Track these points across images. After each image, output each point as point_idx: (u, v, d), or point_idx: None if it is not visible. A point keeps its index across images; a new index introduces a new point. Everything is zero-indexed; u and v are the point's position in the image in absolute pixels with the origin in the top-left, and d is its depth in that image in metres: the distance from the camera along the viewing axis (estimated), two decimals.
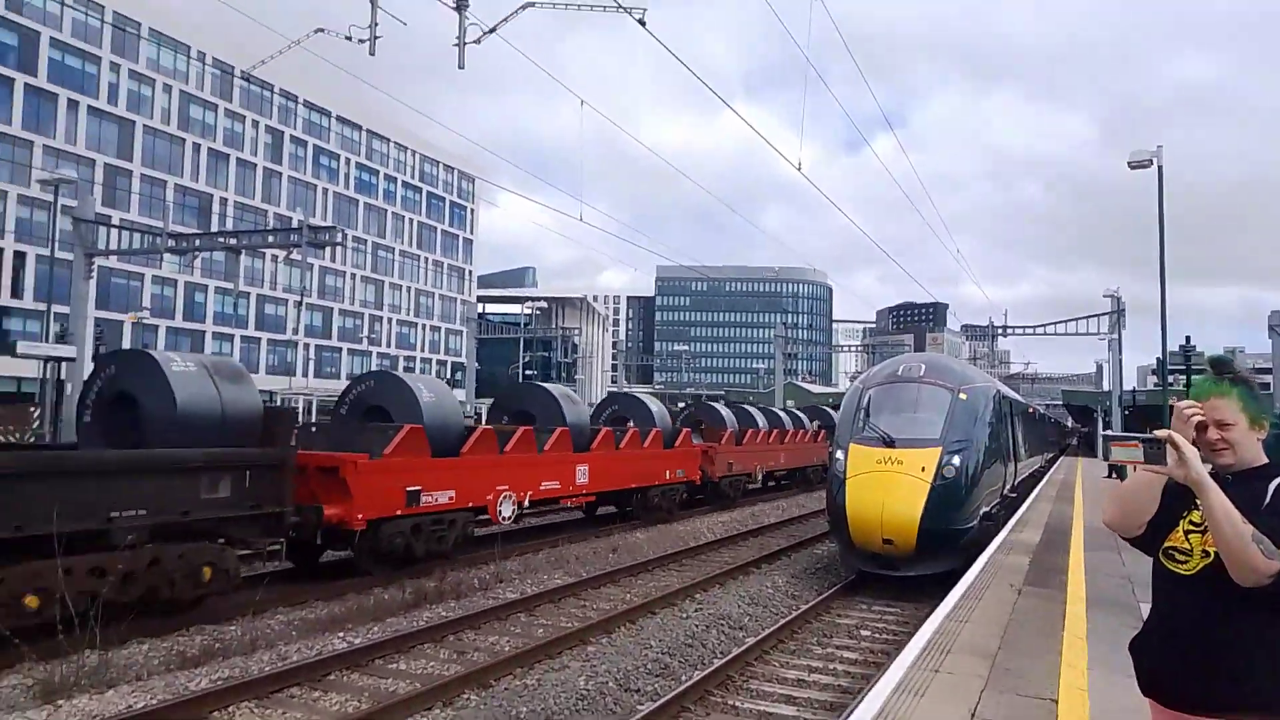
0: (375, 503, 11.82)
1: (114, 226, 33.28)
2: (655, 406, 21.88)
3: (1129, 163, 21.71)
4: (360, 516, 11.56)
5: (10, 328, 54.43)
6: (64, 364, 26.40)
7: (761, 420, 28.13)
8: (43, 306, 40.29)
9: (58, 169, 38.31)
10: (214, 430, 10.12)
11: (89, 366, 27.81)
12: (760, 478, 27.62)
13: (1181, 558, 2.59)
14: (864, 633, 10.30)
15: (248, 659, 8.36)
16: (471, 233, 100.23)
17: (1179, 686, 2.55)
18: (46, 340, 31.28)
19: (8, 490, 7.97)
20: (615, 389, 69.86)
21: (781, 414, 32.59)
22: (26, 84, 55.98)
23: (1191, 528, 2.59)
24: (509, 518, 14.79)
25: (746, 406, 30.06)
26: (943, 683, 5.80)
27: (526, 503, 15.39)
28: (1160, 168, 21.41)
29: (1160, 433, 2.45)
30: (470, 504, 13.73)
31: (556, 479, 16.11)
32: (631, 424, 19.90)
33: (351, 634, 9.44)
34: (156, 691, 7.28)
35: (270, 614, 9.99)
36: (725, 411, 26.76)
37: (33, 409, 29.52)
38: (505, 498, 14.47)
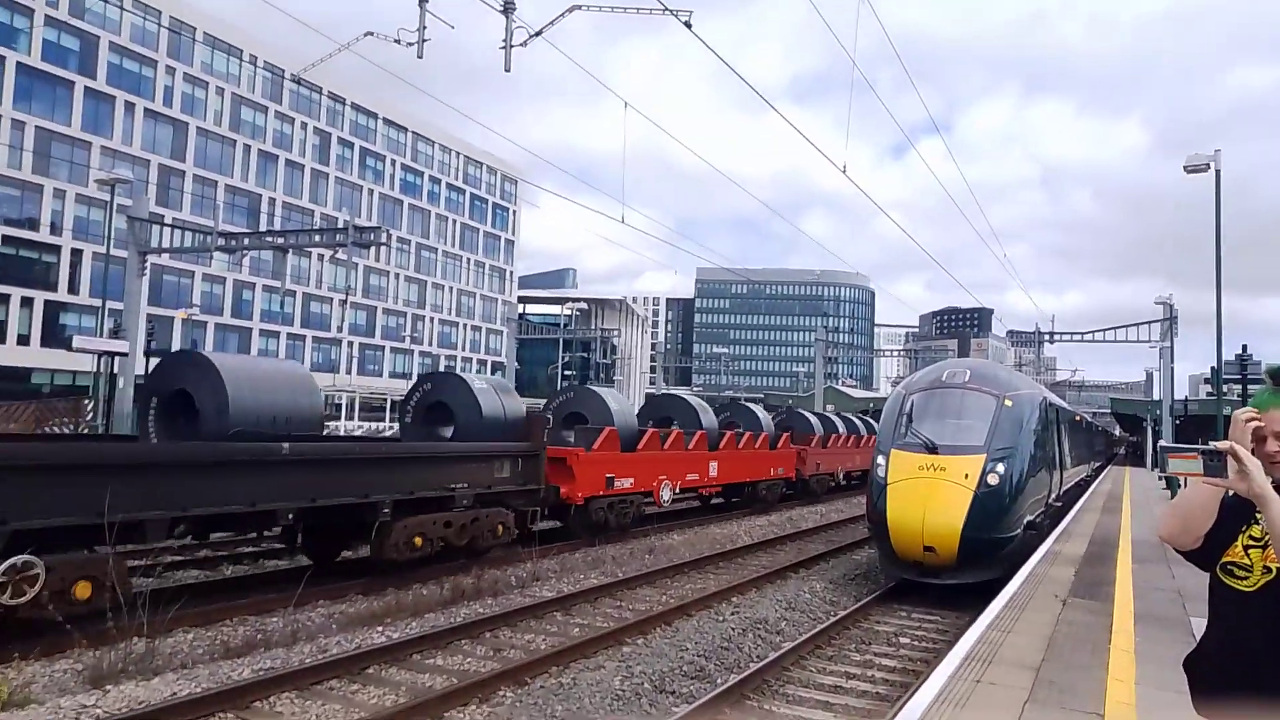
0: (588, 484, 15.81)
1: (167, 225, 34.09)
2: (762, 414, 25.96)
3: (1185, 167, 21.17)
4: (580, 494, 15.53)
5: (67, 322, 55.99)
6: (117, 358, 27.11)
7: (841, 426, 31.51)
8: (98, 302, 41.46)
9: (114, 169, 39.33)
10: (500, 430, 14.26)
11: (141, 361, 28.56)
12: (841, 477, 30.55)
13: (1241, 574, 2.50)
14: (903, 640, 10.16)
15: (289, 651, 8.49)
16: (513, 234, 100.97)
17: (1237, 704, 2.47)
18: (101, 335, 32.14)
19: (406, 469, 11.96)
20: (654, 390, 69.93)
21: (856, 420, 34.99)
22: (86, 87, 57.63)
23: (1252, 543, 2.50)
24: (667, 501, 18.63)
25: (827, 414, 34.29)
26: (984, 694, 5.70)
27: (678, 489, 19.05)
28: (1218, 172, 20.85)
29: (1221, 444, 2.36)
30: (642, 489, 17.50)
31: (697, 472, 19.83)
32: (743, 429, 23.38)
33: (390, 629, 9.54)
34: (201, 680, 7.42)
35: (311, 607, 10.13)
36: (812, 418, 30.02)
37: (86, 401, 30.33)
38: (665, 485, 18.36)
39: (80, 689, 7.15)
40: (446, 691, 7.32)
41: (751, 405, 27.73)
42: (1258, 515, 2.48)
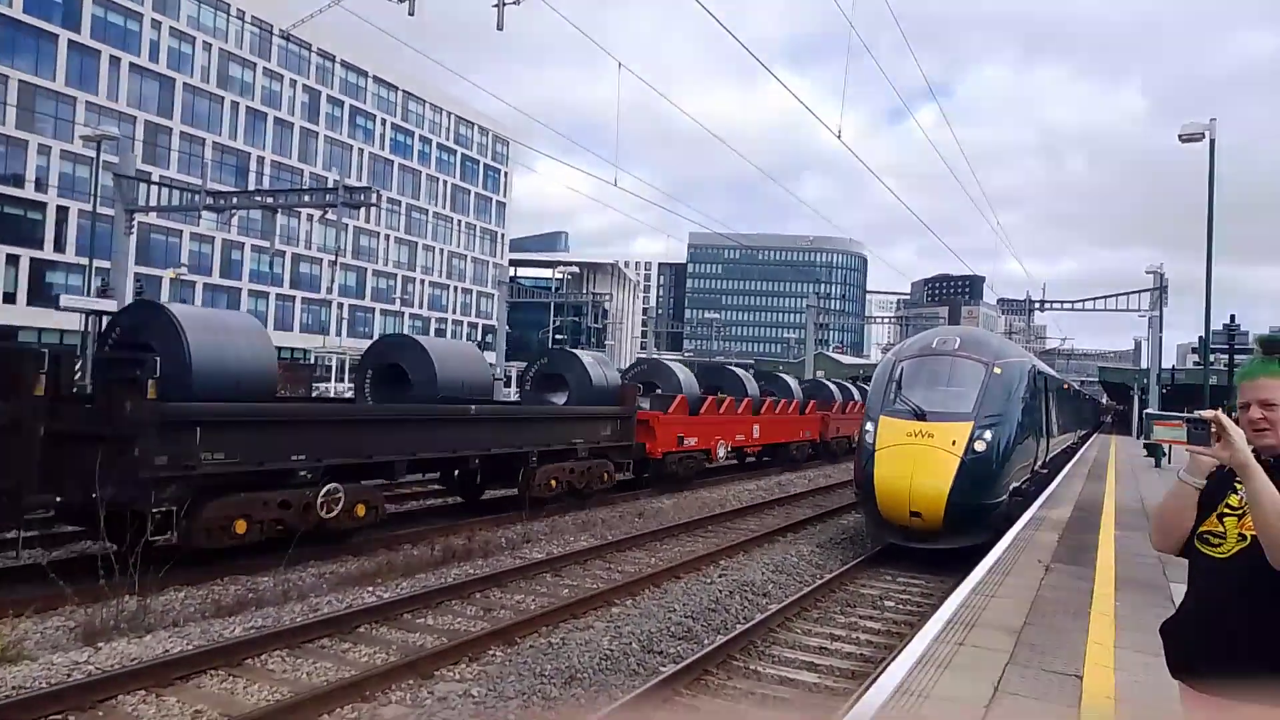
0: (666, 442, 18.90)
1: (154, 183, 33.66)
2: (793, 384, 29.91)
3: (1180, 136, 21.09)
4: (659, 450, 18.65)
5: (54, 280, 55.52)
6: (105, 318, 26.92)
7: (856, 394, 33.64)
8: (85, 261, 41.05)
9: (100, 125, 38.73)
10: (604, 397, 17.59)
11: None
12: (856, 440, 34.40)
13: (1216, 541, 2.54)
14: (888, 604, 10.30)
15: (280, 609, 8.56)
16: (505, 196, 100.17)
17: (1212, 670, 2.52)
18: (89, 294, 31.88)
19: (547, 427, 15.57)
20: (644, 354, 70.05)
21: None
22: (70, 40, 56.50)
23: (1228, 511, 2.55)
24: (722, 457, 21.73)
25: (845, 383, 36.46)
26: (967, 656, 5.79)
27: (730, 448, 21.98)
28: (1212, 141, 20.79)
29: (1206, 413, 2.39)
30: (703, 447, 20.46)
31: (743, 433, 22.73)
32: (778, 396, 26.56)
33: (381, 589, 9.62)
34: (192, 637, 7.49)
35: (302, 567, 10.20)
36: (833, 387, 33.63)
37: (75, 360, 30.13)
38: (720, 444, 21.28)
39: (73, 645, 7.20)
40: (437, 650, 7.41)
41: (784, 376, 31.54)
42: (1236, 484, 2.52)
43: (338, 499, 10.82)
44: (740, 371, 27.05)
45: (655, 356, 25.64)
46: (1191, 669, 2.60)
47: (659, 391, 20.56)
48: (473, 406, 13.75)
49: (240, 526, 9.70)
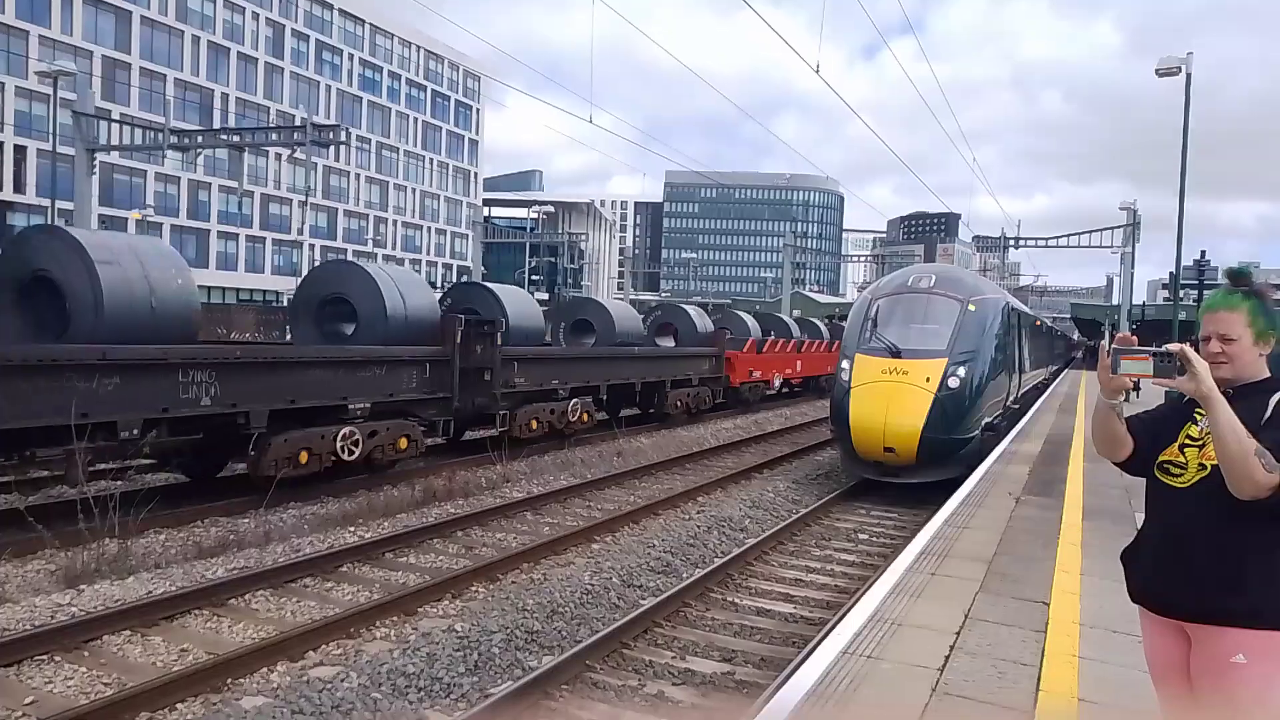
0: (741, 374, 23.79)
1: (114, 121, 32.67)
2: (823, 327, 34.46)
3: (1157, 70, 21.00)
4: (736, 380, 23.56)
5: (15, 223, 54.09)
6: None
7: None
8: (46, 202, 40.00)
9: (55, 61, 37.34)
10: (704, 340, 22.94)
11: None
12: None
13: (1176, 471, 2.62)
14: (862, 536, 10.53)
15: (262, 551, 8.60)
16: (477, 134, 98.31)
17: (1170, 595, 2.61)
18: None
19: (657, 364, 20.01)
20: (622, 297, 69.85)
21: None
22: None
23: (1189, 442, 2.61)
24: (777, 387, 27.13)
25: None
26: (938, 585, 5.96)
27: (782, 380, 27.43)
28: (1189, 75, 20.73)
29: (1172, 346, 2.43)
30: (764, 379, 25.69)
31: (790, 368, 27.96)
32: (809, 338, 31.12)
33: (362, 529, 9.69)
34: (175, 579, 7.53)
35: (283, 509, 10.22)
36: (822, 325, 35.87)
37: None
38: (776, 376, 26.64)
39: (55, 588, 7.22)
40: (420, 587, 7.50)
41: (815, 320, 36.05)
42: (1197, 414, 2.59)
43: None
44: (786, 317, 32.77)
45: (728, 306, 32.10)
46: (1150, 594, 2.70)
47: (730, 335, 24.46)
48: (635, 348, 19.35)
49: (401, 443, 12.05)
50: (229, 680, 5.59)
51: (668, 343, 22.86)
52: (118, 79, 60.00)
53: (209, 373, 9.48)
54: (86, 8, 58.48)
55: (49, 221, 35.93)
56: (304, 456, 10.46)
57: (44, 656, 5.83)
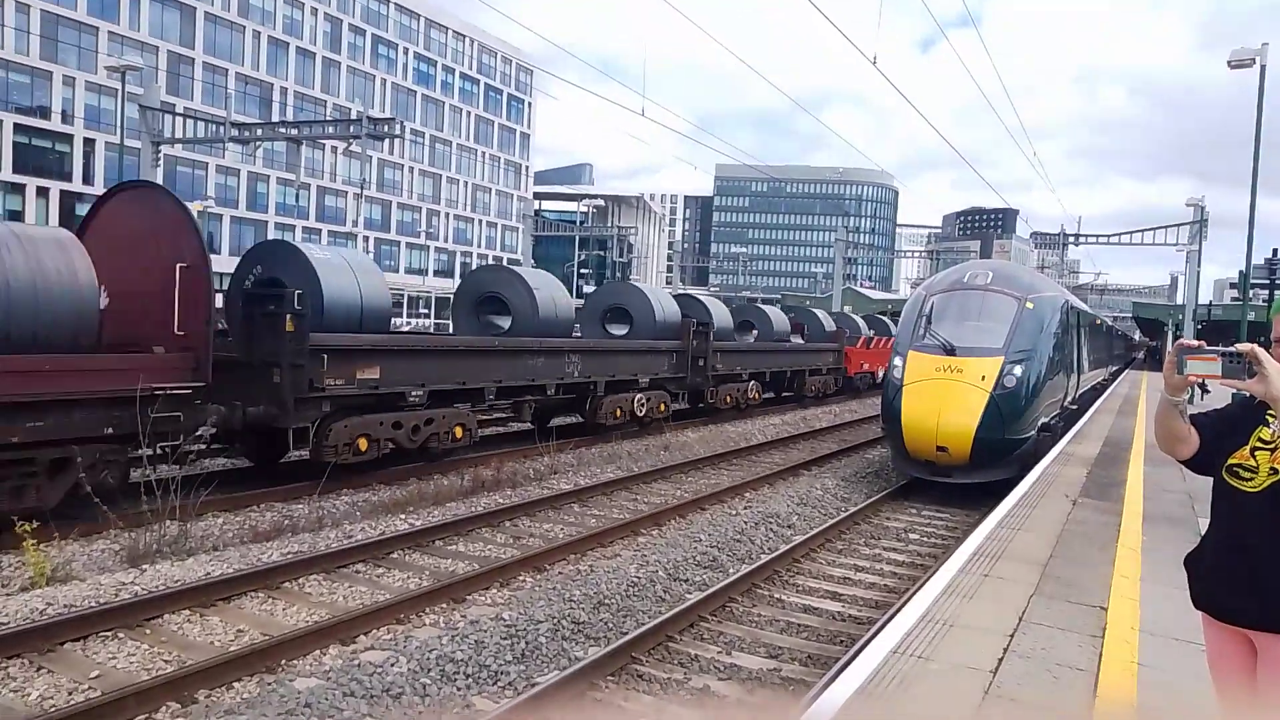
0: (854, 366, 28.66)
1: (178, 115, 33.60)
2: (892, 325, 34.50)
3: (1229, 62, 20.30)
4: (851, 371, 28.35)
5: (83, 213, 55.90)
6: None
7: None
8: None
9: (123, 55, 38.50)
10: (826, 336, 27.64)
11: None
12: None
13: (1247, 475, 2.53)
14: (913, 536, 10.38)
15: (315, 536, 8.78)
16: (528, 127, 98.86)
17: (1235, 602, 2.53)
18: None
19: (798, 355, 25.61)
20: (671, 290, 69.86)
21: None
22: None
23: (1260, 445, 2.52)
24: (880, 378, 26.32)
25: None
26: (992, 587, 5.84)
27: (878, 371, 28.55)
28: (1263, 67, 19.99)
29: (1242, 346, 2.35)
30: (870, 370, 29.30)
31: (881, 364, 27.53)
32: (874, 332, 33.39)
33: (413, 516, 9.83)
34: (232, 561, 7.72)
35: (335, 495, 10.43)
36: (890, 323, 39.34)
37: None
38: (877, 369, 27.88)
39: (119, 567, 7.46)
40: (469, 575, 7.59)
41: (885, 319, 36.23)
42: (1269, 417, 2.49)
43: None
44: (873, 317, 35.17)
45: (843, 310, 34.77)
46: (1214, 601, 2.61)
47: (847, 333, 28.87)
48: (789, 340, 25.59)
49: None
50: (283, 661, 5.71)
51: (795, 339, 27.43)
52: (182, 73, 61.56)
53: (577, 356, 15.09)
54: (153, 4, 60.10)
55: None
56: (618, 412, 16.21)
57: (109, 633, 6.02)
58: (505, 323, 15.04)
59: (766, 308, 27.83)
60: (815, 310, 30.49)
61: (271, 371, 9.94)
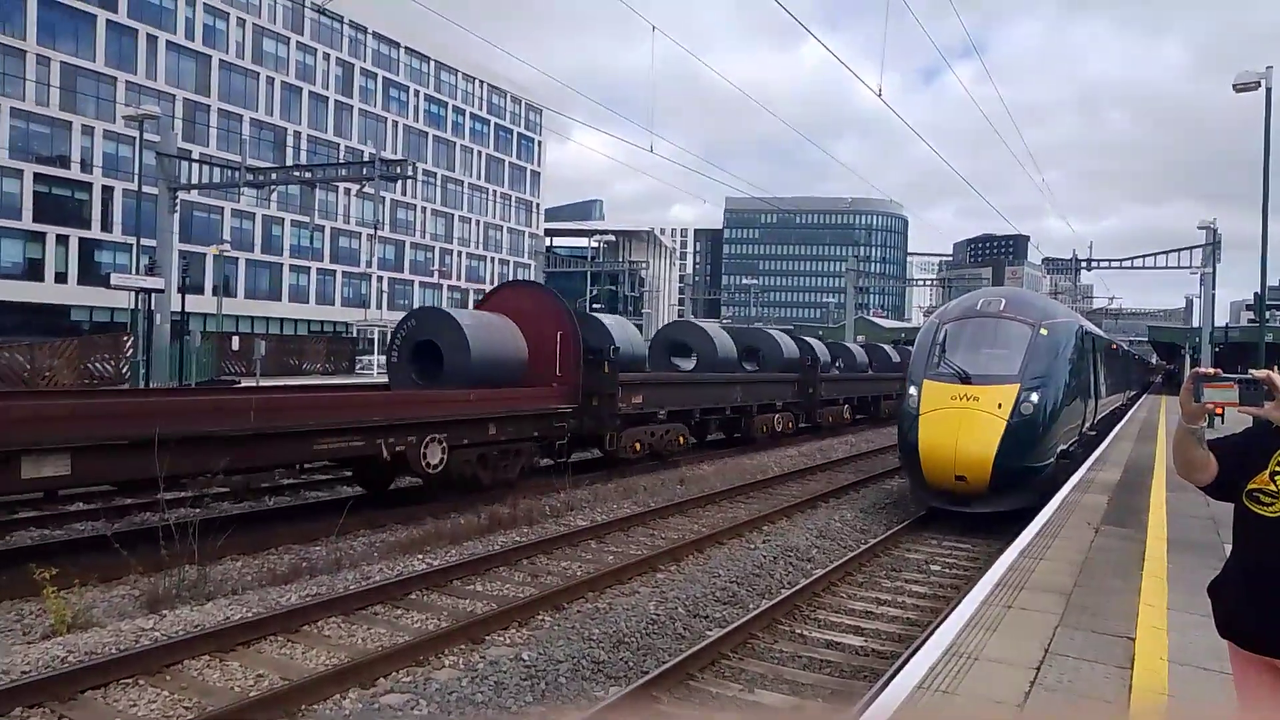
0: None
1: (194, 161, 34.13)
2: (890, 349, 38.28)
3: (1234, 85, 20.36)
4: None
5: (102, 259, 56.69)
6: (153, 295, 27.50)
7: None
8: (132, 239, 41.83)
9: (140, 104, 39.23)
10: (891, 367, 31.41)
11: (176, 299, 28.98)
12: None
13: (1267, 500, 2.51)
14: (934, 568, 10.27)
15: (333, 577, 8.77)
16: (539, 165, 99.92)
17: (1260, 629, 2.50)
18: (136, 272, 32.54)
19: (872, 383, 30.39)
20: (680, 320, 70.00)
21: None
22: (108, 20, 57.17)
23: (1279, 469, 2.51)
24: None
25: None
26: (1015, 619, 5.77)
27: None
28: (1269, 90, 20.05)
29: (1259, 372, 2.35)
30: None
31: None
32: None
33: (430, 556, 9.81)
34: (251, 605, 7.71)
35: (353, 536, 10.43)
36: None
37: (125, 338, 30.89)
38: None
39: (138, 613, 7.46)
40: (487, 615, 7.55)
41: (884, 346, 38.81)
42: None
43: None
44: (853, 345, 36.09)
45: (855, 341, 38.42)
46: (1239, 628, 2.58)
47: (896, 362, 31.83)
48: (867, 373, 29.85)
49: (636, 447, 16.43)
50: (303, 706, 5.69)
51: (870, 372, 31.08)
52: (198, 120, 62.70)
53: (740, 386, 20.42)
54: (169, 53, 61.39)
55: (133, 257, 37.57)
56: (764, 428, 21.37)
57: (129, 680, 6.02)
58: (689, 364, 20.67)
59: (849, 344, 32.74)
60: (880, 344, 36.52)
61: (593, 398, 15.17)
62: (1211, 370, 2.60)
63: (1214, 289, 38.49)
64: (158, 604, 7.59)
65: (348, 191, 70.21)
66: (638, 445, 16.85)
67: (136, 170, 35.33)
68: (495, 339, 14.18)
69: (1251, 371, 2.37)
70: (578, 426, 14.84)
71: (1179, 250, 41.55)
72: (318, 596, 7.97)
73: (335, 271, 75.40)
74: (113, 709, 5.63)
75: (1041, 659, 5.00)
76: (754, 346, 23.53)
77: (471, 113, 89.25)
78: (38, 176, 54.16)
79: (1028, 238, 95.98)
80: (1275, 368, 2.49)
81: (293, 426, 9.95)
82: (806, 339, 26.64)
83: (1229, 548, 2.77)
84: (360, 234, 75.07)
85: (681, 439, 18.08)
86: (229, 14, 65.71)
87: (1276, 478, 2.51)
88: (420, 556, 9.78)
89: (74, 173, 56.13)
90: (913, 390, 12.79)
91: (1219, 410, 2.57)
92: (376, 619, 7.70)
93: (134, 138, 41.04)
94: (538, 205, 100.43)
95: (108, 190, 57.72)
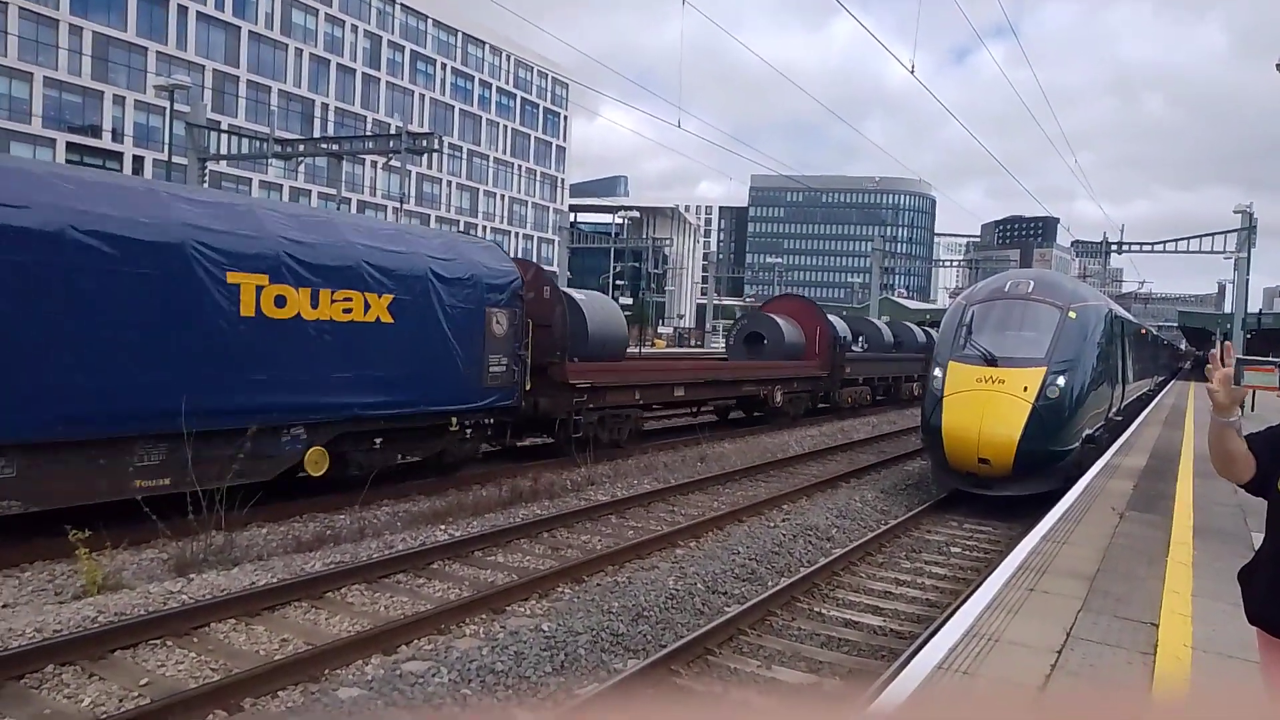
0: None
1: (223, 132, 34.31)
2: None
3: (1278, 65, 19.87)
4: None
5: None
6: None
7: None
8: None
9: (171, 74, 39.46)
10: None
11: None
12: None
13: None
14: (954, 550, 10.24)
15: (357, 546, 8.88)
16: (565, 140, 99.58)
17: None
18: None
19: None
20: (705, 301, 69.63)
21: None
22: None
23: None
24: None
25: None
26: (1037, 602, 5.74)
27: None
28: None
29: None
30: None
31: None
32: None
33: (452, 527, 9.90)
34: (276, 571, 7.83)
35: (376, 506, 10.54)
36: None
37: None
38: None
39: (167, 576, 7.60)
40: (508, 586, 7.63)
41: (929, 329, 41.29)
42: None
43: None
44: (912, 325, 37.22)
45: (882, 319, 37.80)
46: (1268, 615, 2.55)
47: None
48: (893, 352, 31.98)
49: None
50: (326, 670, 5.78)
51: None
52: (227, 91, 62.98)
53: (893, 362, 28.76)
54: (200, 24, 61.62)
55: None
56: (908, 395, 28.12)
57: (157, 641, 6.14)
58: (761, 349, 23.76)
59: (912, 325, 34.30)
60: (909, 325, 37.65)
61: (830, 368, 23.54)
62: (1240, 358, 2.56)
63: (1248, 274, 37.83)
64: (186, 568, 7.73)
65: (374, 164, 70.39)
66: (850, 399, 25.03)
67: (167, 140, 35.61)
68: (792, 331, 23.16)
69: None
70: (827, 385, 23.73)
71: (1212, 235, 40.78)
72: (341, 564, 8.07)
73: None
74: (141, 669, 5.75)
75: (1063, 643, 4.97)
76: (758, 332, 25.12)
77: (498, 86, 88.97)
78: (70, 146, 54.69)
79: (1057, 219, 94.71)
80: None
81: (734, 378, 20.17)
82: (912, 326, 32.08)
83: (1258, 536, 2.73)
84: (386, 206, 75.30)
85: (868, 397, 26.58)
86: None
87: None
88: (442, 527, 9.87)
89: (105, 142, 56.65)
90: (937, 372, 12.70)
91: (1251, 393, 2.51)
92: (399, 587, 7.79)
93: (164, 108, 41.35)
94: (563, 181, 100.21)
95: (138, 160, 58.21)
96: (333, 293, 10.01)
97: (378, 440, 10.86)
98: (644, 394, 16.42)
